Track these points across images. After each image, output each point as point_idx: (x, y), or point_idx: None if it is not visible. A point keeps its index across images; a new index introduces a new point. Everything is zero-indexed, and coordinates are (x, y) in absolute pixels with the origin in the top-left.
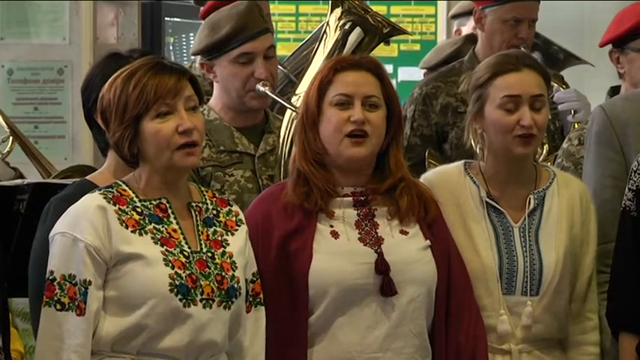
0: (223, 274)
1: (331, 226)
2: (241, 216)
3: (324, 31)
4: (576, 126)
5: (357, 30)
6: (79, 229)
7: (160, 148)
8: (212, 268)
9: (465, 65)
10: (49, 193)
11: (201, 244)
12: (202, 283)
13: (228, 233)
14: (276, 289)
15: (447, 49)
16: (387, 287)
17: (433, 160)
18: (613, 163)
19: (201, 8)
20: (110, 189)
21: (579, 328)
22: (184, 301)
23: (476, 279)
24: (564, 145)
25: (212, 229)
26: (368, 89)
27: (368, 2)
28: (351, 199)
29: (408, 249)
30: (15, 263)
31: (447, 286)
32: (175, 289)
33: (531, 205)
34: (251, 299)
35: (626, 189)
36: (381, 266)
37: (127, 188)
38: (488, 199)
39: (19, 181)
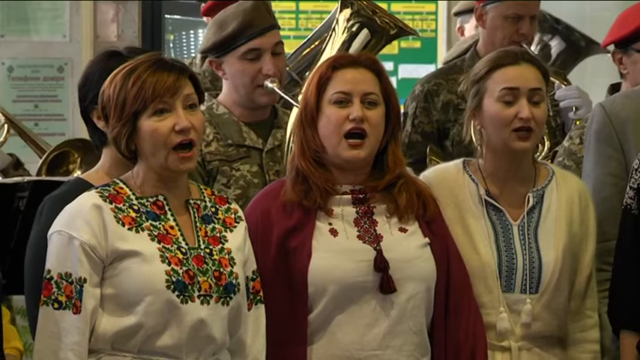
0: (221, 270)
1: (330, 224)
2: (240, 213)
3: (333, 30)
4: (578, 123)
5: (365, 31)
6: (75, 227)
7: (157, 146)
8: (210, 265)
9: (467, 63)
10: (49, 190)
11: (199, 241)
12: (200, 279)
13: (227, 230)
14: (275, 287)
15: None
16: (386, 285)
17: (434, 156)
18: (613, 161)
19: (202, 5)
20: (107, 187)
21: (579, 326)
22: (181, 297)
23: (475, 277)
24: (565, 143)
25: (210, 226)
26: (366, 87)
27: None
28: (349, 196)
29: (407, 246)
30: (15, 261)
31: (446, 283)
32: (172, 286)
33: (530, 203)
34: (252, 297)
35: (627, 187)
36: (381, 264)
37: (124, 186)
38: (487, 197)
39: (19, 179)
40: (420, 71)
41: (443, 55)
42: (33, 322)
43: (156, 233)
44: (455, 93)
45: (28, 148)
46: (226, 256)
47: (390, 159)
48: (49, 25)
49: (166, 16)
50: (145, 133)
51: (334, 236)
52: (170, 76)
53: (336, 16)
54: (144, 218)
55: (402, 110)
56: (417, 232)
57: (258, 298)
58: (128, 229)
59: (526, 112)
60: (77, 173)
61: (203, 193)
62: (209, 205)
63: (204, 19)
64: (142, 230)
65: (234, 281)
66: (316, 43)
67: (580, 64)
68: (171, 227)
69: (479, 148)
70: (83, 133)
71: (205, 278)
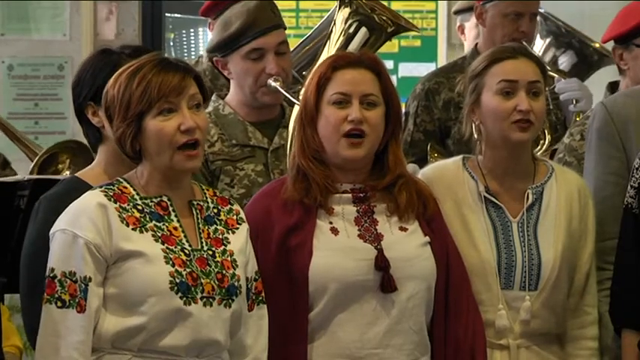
0: (224, 272)
1: (330, 223)
2: (242, 215)
3: (332, 28)
4: (578, 118)
5: (363, 30)
6: (79, 226)
7: (162, 146)
8: (212, 266)
9: (468, 61)
10: (49, 189)
11: (202, 242)
12: (203, 281)
13: (229, 231)
14: (276, 286)
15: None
16: (387, 284)
17: (436, 153)
18: (614, 160)
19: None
20: (111, 186)
21: (577, 323)
22: (185, 299)
23: (474, 274)
24: (566, 140)
25: (213, 227)
26: (366, 87)
27: None
28: (350, 195)
29: (407, 245)
30: (15, 259)
31: (446, 282)
32: (175, 287)
33: (530, 200)
34: (253, 297)
35: (629, 186)
36: (382, 263)
37: (128, 185)
38: (486, 194)
39: (19, 177)
40: (421, 70)
41: (443, 53)
42: (27, 321)
43: (160, 234)
44: (456, 91)
45: (15, 146)
46: (228, 258)
47: (390, 159)
48: (50, 23)
49: (167, 14)
50: (151, 132)
51: (335, 235)
52: (175, 76)
53: (335, 14)
54: (148, 219)
55: (403, 109)
56: (417, 231)
57: (260, 298)
58: (132, 229)
59: (525, 105)
60: (66, 174)
61: (205, 194)
62: (211, 206)
63: (209, 20)
64: (146, 231)
65: (236, 283)
66: (316, 40)
67: None
68: (175, 228)
69: (478, 144)
70: None
71: (208, 280)
